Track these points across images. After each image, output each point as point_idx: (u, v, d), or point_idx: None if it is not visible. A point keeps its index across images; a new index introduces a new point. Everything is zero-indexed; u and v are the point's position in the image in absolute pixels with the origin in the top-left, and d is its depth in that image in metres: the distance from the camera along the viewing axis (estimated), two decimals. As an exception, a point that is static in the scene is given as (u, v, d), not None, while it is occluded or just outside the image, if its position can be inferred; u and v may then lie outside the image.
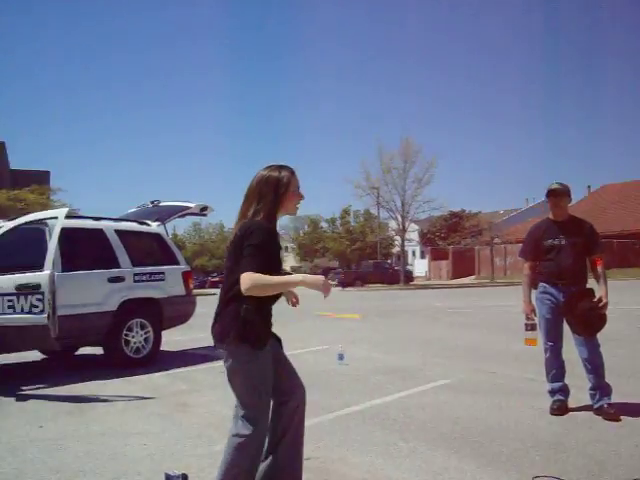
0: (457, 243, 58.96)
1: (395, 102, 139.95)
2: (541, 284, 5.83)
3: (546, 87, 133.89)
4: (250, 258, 3.20)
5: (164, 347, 9.73)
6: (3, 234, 7.60)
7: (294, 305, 3.97)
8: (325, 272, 65.33)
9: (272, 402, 3.58)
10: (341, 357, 8.70)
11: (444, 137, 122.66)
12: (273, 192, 3.39)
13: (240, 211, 3.47)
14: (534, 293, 5.90)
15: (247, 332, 3.27)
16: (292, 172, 3.50)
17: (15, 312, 7.13)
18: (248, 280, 3.14)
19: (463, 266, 55.75)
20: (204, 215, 11.19)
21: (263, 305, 3.35)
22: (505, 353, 9.52)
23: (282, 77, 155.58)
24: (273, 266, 3.31)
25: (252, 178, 3.48)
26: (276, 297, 3.42)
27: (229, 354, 3.36)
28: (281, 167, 3.49)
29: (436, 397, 6.57)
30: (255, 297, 3.21)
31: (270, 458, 3.57)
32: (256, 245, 3.23)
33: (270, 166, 3.50)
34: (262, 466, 3.55)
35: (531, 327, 5.79)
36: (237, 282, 3.22)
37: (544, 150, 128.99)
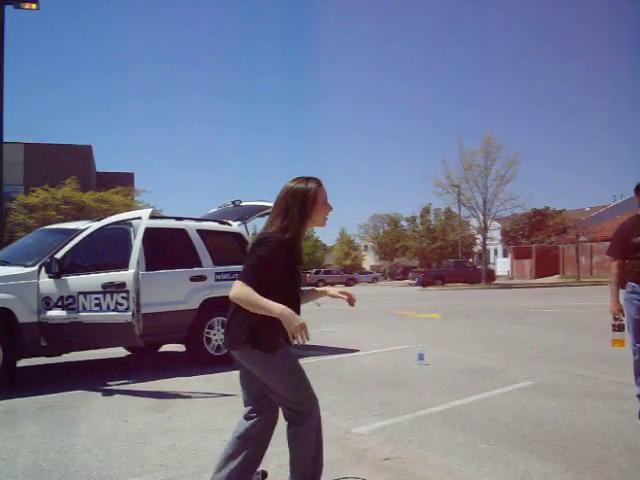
0: (541, 241, 57.64)
1: (477, 97, 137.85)
2: (630, 283, 5.60)
3: (635, 80, 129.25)
4: (249, 268, 3.25)
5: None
6: (90, 235, 7.84)
7: (351, 303, 3.80)
8: (405, 271, 65.06)
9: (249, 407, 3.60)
10: (421, 357, 8.62)
11: (527, 132, 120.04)
12: (300, 204, 3.35)
13: (267, 223, 3.46)
14: (622, 293, 5.69)
15: (257, 337, 3.30)
16: (319, 184, 3.45)
17: (101, 310, 7.34)
18: (235, 289, 3.19)
19: (547, 265, 54.43)
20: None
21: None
22: (591, 355, 9.25)
23: (364, 73, 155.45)
24: (281, 280, 3.31)
25: (280, 190, 3.45)
26: (293, 302, 3.37)
27: (245, 359, 3.45)
28: (308, 179, 3.45)
29: (518, 399, 6.42)
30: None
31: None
32: (261, 257, 3.23)
33: (297, 178, 3.46)
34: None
35: (619, 328, 5.58)
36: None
37: (633, 145, 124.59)
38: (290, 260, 3.36)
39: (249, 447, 3.50)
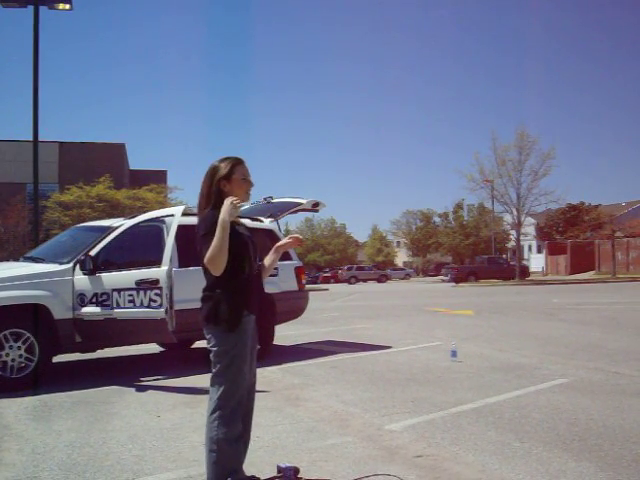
0: (576, 237, 56.95)
1: (509, 92, 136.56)
2: None
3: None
4: (204, 247, 3.50)
5: (277, 341, 9.86)
6: (123, 232, 7.91)
7: (300, 243, 4.20)
8: (438, 268, 64.73)
9: None
10: (454, 354, 8.56)
11: (562, 127, 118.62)
12: (212, 181, 3.68)
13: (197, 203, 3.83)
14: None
15: (220, 315, 3.52)
16: (235, 161, 3.69)
17: (135, 306, 7.39)
18: (207, 264, 3.47)
19: (582, 261, 53.77)
20: (316, 211, 11.24)
21: (235, 289, 3.58)
22: (628, 352, 9.11)
23: (397, 71, 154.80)
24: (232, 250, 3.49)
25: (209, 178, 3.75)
26: (244, 274, 3.68)
27: (209, 334, 3.62)
28: (224, 158, 3.72)
29: (553, 396, 6.34)
30: (225, 282, 3.52)
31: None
32: (203, 235, 3.55)
33: (214, 162, 3.73)
34: None
35: None
36: (204, 268, 3.59)
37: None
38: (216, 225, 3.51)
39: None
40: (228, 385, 3.58)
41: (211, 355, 3.61)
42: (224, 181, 3.65)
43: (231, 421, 3.57)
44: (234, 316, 3.55)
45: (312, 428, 5.38)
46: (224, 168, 3.64)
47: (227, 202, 3.46)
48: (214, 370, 3.62)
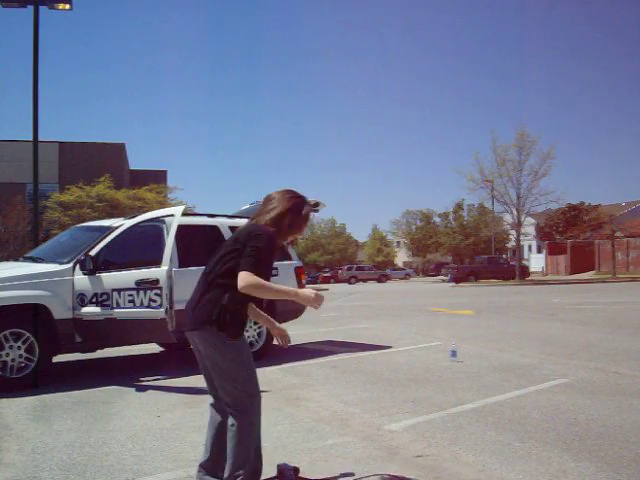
0: (576, 237, 56.94)
1: (509, 92, 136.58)
2: None
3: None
4: (253, 259, 3.38)
5: (276, 342, 9.84)
6: (124, 232, 7.92)
7: (284, 346, 4.20)
8: (438, 268, 64.71)
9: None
10: (454, 354, 8.56)
11: (562, 127, 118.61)
12: (294, 218, 3.67)
13: (256, 214, 3.74)
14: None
15: (227, 321, 3.45)
16: (314, 208, 3.87)
17: (135, 306, 7.40)
18: (247, 279, 3.32)
19: (582, 261, 53.74)
20: (316, 211, 11.17)
21: (244, 299, 3.50)
22: (628, 352, 9.11)
23: (395, 71, 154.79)
24: (267, 273, 3.48)
25: (278, 192, 3.76)
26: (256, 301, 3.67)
27: (206, 341, 3.58)
28: (305, 200, 3.79)
29: (553, 397, 6.34)
30: (239, 292, 3.38)
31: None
32: (261, 249, 3.42)
33: (294, 193, 3.78)
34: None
35: None
36: (227, 272, 3.46)
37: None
38: (273, 259, 3.60)
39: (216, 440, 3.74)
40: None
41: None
42: (300, 219, 3.72)
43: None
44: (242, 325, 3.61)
45: (312, 428, 5.38)
46: (307, 212, 3.75)
47: (312, 297, 3.47)
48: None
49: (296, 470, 3.93)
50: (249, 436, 3.52)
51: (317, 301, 3.48)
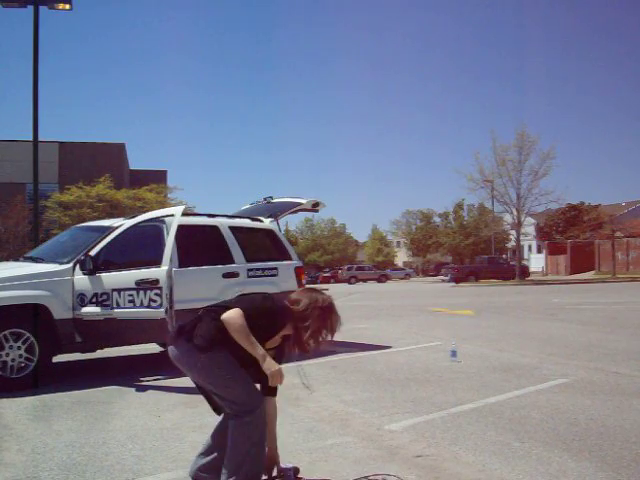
0: (576, 237, 56.95)
1: (509, 92, 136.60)
2: None
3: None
4: (252, 302, 3.60)
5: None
6: (124, 232, 7.91)
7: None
8: (438, 268, 64.70)
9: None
10: (454, 354, 8.56)
11: (562, 127, 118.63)
12: (321, 324, 3.78)
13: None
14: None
15: (206, 345, 3.50)
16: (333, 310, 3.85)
17: (135, 306, 7.40)
18: (234, 314, 3.44)
19: (582, 261, 53.76)
20: (316, 211, 11.27)
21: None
22: (628, 352, 9.11)
23: (394, 72, 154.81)
24: (258, 334, 3.52)
25: (312, 300, 3.80)
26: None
27: (184, 354, 3.62)
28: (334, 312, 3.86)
29: (553, 396, 6.34)
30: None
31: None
32: (270, 307, 3.64)
33: (330, 303, 3.85)
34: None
35: None
36: (226, 305, 3.66)
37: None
38: (277, 329, 3.69)
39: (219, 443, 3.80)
40: None
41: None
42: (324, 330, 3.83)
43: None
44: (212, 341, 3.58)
45: (312, 428, 5.38)
46: (334, 324, 3.85)
47: (274, 372, 3.56)
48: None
49: (296, 470, 3.93)
50: (243, 441, 3.55)
51: (276, 378, 3.56)
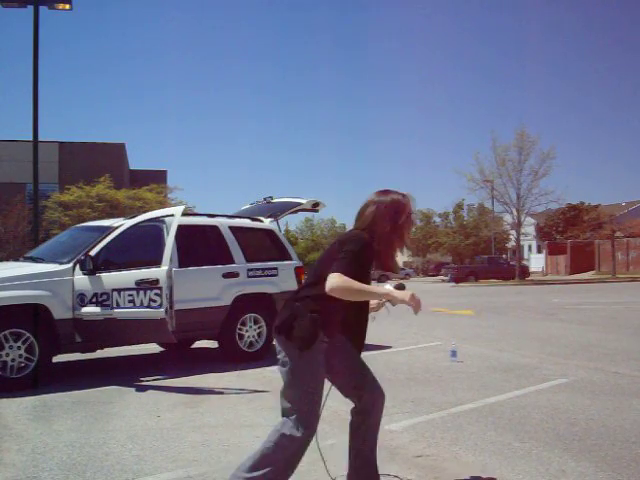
0: (576, 237, 56.95)
1: (509, 92, 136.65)
2: None
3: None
4: (344, 262, 3.21)
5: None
6: (123, 232, 7.91)
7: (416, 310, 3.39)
8: (438, 268, 64.69)
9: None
10: (454, 354, 8.56)
11: (562, 127, 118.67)
12: (391, 217, 3.42)
13: (358, 221, 3.53)
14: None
15: (293, 331, 3.29)
16: (407, 199, 3.55)
17: (135, 306, 7.39)
18: (336, 280, 3.13)
19: (582, 261, 53.75)
20: (316, 211, 11.27)
21: (328, 314, 3.33)
22: (628, 352, 9.11)
23: (396, 72, 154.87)
24: (362, 279, 3.26)
25: (366, 202, 3.52)
26: (347, 307, 3.42)
27: (282, 346, 3.42)
28: (397, 193, 3.56)
29: (553, 396, 6.35)
30: (323, 305, 3.27)
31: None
32: (352, 251, 3.25)
33: (385, 191, 3.55)
34: None
35: None
36: (312, 282, 3.38)
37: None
38: (369, 262, 3.42)
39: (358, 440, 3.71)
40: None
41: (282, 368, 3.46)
42: (401, 221, 3.46)
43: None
44: (311, 338, 3.31)
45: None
46: (406, 209, 3.49)
47: (409, 296, 3.23)
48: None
49: None
50: (283, 454, 3.40)
51: (416, 302, 3.26)
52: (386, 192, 3.55)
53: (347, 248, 3.27)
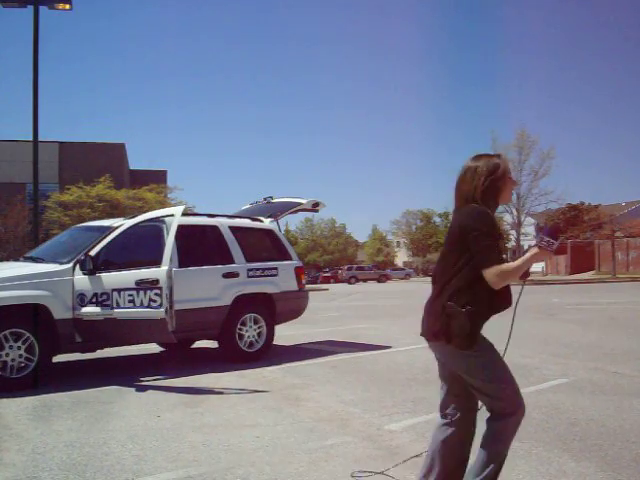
0: (576, 237, 56.93)
1: (509, 92, 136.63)
2: None
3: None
4: (487, 250, 3.10)
5: (276, 341, 9.85)
6: (124, 232, 7.91)
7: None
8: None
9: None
10: (454, 354, 8.53)
11: (562, 127, 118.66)
12: (491, 180, 3.26)
13: (455, 204, 3.39)
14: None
15: (451, 331, 3.15)
16: (503, 159, 3.38)
17: (135, 306, 7.39)
18: (497, 275, 3.09)
19: (582, 261, 53.79)
20: (316, 211, 11.27)
21: (479, 302, 3.21)
22: (628, 352, 9.11)
23: (397, 69, 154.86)
24: (503, 250, 3.19)
25: (463, 170, 3.36)
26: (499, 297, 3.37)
27: (440, 352, 3.32)
28: (492, 155, 3.40)
29: (553, 397, 6.35)
30: (470, 294, 3.16)
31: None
32: (487, 233, 3.11)
33: (479, 155, 3.37)
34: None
35: None
36: (446, 280, 3.21)
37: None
38: (498, 230, 3.25)
39: (443, 455, 3.45)
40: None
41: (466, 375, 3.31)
42: (502, 180, 3.30)
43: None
44: (474, 332, 3.20)
45: (312, 428, 5.37)
46: (502, 166, 3.30)
47: (536, 250, 3.16)
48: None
49: None
50: (498, 443, 3.34)
51: (549, 249, 3.15)
52: (479, 157, 3.37)
53: (475, 233, 3.11)
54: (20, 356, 7.17)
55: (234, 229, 9.42)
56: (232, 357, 8.95)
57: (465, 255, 3.17)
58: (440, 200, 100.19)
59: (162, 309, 7.26)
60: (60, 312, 7.43)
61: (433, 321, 3.25)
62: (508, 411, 3.26)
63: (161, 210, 9.03)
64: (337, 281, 62.24)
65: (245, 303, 9.09)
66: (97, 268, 7.63)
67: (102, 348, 8.38)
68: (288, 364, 8.76)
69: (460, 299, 3.16)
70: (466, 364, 3.24)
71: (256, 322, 9.20)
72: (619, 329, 12.11)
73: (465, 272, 3.19)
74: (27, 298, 7.29)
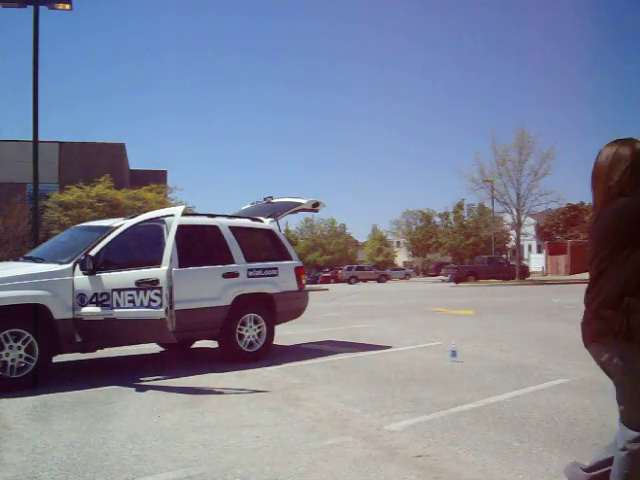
0: (576, 237, 56.97)
1: (509, 92, 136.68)
2: None
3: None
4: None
5: (277, 341, 9.85)
6: (124, 232, 7.91)
7: None
8: (438, 268, 64.71)
9: None
10: (454, 354, 8.55)
11: (562, 127, 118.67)
12: (631, 168, 3.02)
13: (596, 196, 3.23)
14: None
15: (632, 329, 2.90)
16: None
17: (135, 306, 7.39)
18: None
19: (582, 261, 53.63)
20: (316, 211, 11.27)
21: None
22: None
23: (397, 70, 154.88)
24: None
25: (599, 156, 3.17)
26: None
27: (614, 354, 3.06)
28: (619, 140, 3.15)
29: (553, 396, 6.34)
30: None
31: None
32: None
33: (617, 141, 3.14)
34: None
35: None
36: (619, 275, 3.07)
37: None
38: None
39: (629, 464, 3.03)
40: None
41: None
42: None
43: None
44: None
45: (312, 428, 5.37)
46: None
47: None
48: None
49: None
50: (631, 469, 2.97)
51: None
52: (615, 142, 3.15)
53: (636, 229, 2.94)
54: (20, 356, 7.16)
55: (234, 229, 9.42)
56: (232, 357, 8.94)
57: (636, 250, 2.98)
58: (440, 200, 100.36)
59: (162, 309, 7.26)
60: (60, 312, 7.42)
61: (605, 321, 3.03)
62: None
63: (161, 210, 9.03)
64: (337, 281, 62.23)
65: (245, 303, 9.08)
66: (97, 268, 7.63)
67: (102, 348, 8.37)
68: (288, 364, 8.75)
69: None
70: (632, 366, 2.96)
71: (256, 322, 9.19)
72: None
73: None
74: (27, 298, 7.29)
